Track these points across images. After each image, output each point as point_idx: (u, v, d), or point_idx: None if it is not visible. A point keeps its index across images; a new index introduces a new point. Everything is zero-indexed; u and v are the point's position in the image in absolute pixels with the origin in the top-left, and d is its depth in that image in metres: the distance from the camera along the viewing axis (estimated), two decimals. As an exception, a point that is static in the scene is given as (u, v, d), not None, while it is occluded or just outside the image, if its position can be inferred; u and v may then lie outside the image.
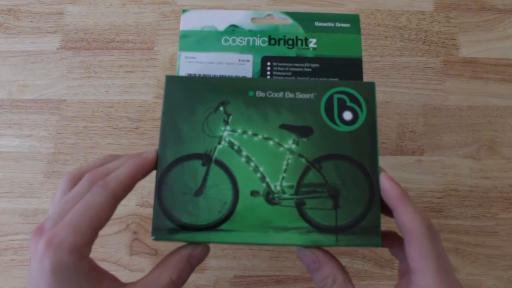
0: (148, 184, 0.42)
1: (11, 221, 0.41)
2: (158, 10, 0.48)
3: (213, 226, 0.24)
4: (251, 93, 0.26)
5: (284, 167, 0.25)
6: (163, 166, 0.25)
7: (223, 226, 0.24)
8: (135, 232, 0.41)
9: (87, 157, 0.43)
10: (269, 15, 0.31)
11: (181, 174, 0.25)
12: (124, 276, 0.39)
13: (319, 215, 0.25)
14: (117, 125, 0.44)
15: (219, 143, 0.25)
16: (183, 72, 0.29)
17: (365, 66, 0.46)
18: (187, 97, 0.26)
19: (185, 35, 0.30)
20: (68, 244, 0.21)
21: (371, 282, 0.39)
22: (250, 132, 0.25)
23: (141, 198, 0.42)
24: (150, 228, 0.41)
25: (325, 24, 0.30)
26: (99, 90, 0.45)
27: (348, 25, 0.30)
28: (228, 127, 0.25)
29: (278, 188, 0.25)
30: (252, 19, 0.30)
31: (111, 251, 0.40)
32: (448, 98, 0.45)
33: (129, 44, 0.47)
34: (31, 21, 0.48)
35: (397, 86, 0.45)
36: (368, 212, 0.25)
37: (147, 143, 0.43)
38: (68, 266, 0.21)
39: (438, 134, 0.44)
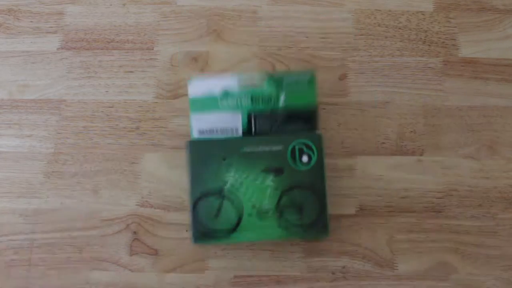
0: (148, 184, 0.42)
1: (11, 221, 0.41)
2: (158, 10, 0.48)
3: (227, 233, 0.37)
4: (242, 150, 0.38)
5: (267, 195, 0.37)
6: (194, 199, 0.37)
7: (233, 234, 0.37)
8: (135, 232, 0.41)
9: (87, 157, 0.43)
10: (254, 78, 0.41)
11: (205, 204, 0.37)
12: (124, 276, 0.39)
13: (292, 221, 0.37)
14: (117, 125, 0.44)
15: (226, 184, 0.37)
16: (195, 128, 0.40)
17: (365, 66, 0.46)
18: (203, 154, 0.38)
19: (193, 102, 0.40)
20: None
21: (371, 282, 0.39)
22: (244, 176, 0.37)
23: (141, 198, 0.42)
24: (150, 228, 0.41)
25: (289, 81, 0.40)
26: (99, 90, 0.45)
27: (306, 80, 0.40)
28: (230, 173, 0.37)
29: (265, 208, 0.37)
30: (239, 83, 0.40)
31: (111, 251, 0.40)
32: (448, 98, 0.45)
33: (129, 44, 0.47)
34: (31, 21, 0.48)
35: (397, 86, 0.45)
36: (320, 217, 0.37)
37: (147, 143, 0.43)
38: None
39: (438, 134, 0.44)
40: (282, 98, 0.40)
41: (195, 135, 0.40)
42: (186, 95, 0.45)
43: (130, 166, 0.43)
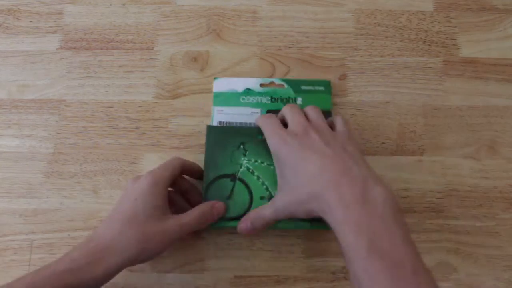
0: (148, 184, 0.42)
1: (11, 221, 0.41)
2: (158, 10, 0.48)
3: (239, 217, 0.37)
4: (259, 137, 0.39)
5: None
6: (207, 182, 0.38)
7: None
8: (135, 232, 0.41)
9: (87, 157, 0.43)
10: (271, 82, 0.44)
11: (218, 186, 0.38)
12: (124, 276, 0.39)
13: None
14: (117, 125, 0.44)
15: (241, 167, 0.39)
16: (216, 119, 0.43)
17: (365, 66, 0.46)
18: (220, 139, 0.39)
19: (217, 95, 0.44)
20: (160, 174, 0.34)
21: (371, 282, 0.39)
22: (259, 161, 0.39)
23: (141, 198, 0.41)
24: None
25: (307, 88, 0.44)
26: (99, 90, 0.45)
27: (322, 88, 0.44)
28: (246, 158, 0.39)
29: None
30: (261, 84, 0.44)
31: (111, 251, 0.40)
32: (448, 98, 0.45)
33: (129, 44, 0.47)
34: (31, 21, 0.48)
35: (397, 86, 0.45)
36: None
37: (147, 143, 0.43)
38: (159, 184, 0.34)
39: (438, 134, 0.44)
40: (299, 100, 0.43)
41: (215, 125, 0.43)
42: (186, 95, 0.45)
43: (130, 166, 0.43)
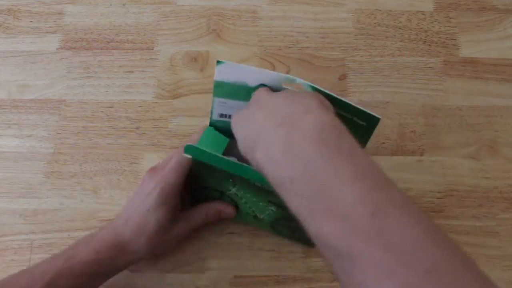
0: (148, 184, 0.42)
1: (11, 221, 0.41)
2: (158, 10, 0.48)
3: None
4: (251, 181, 0.32)
5: (267, 213, 0.36)
6: (193, 188, 0.38)
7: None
8: (135, 232, 0.41)
9: (87, 157, 0.43)
10: (297, 84, 0.31)
11: (204, 192, 0.38)
12: (123, 276, 0.39)
13: (284, 232, 0.39)
14: (117, 125, 0.44)
15: (229, 191, 0.36)
16: (216, 112, 0.36)
17: (365, 66, 0.46)
18: (207, 171, 0.34)
19: (219, 85, 0.33)
20: (172, 184, 0.34)
21: (371, 282, 0.39)
22: (248, 195, 0.35)
23: (141, 198, 0.41)
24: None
25: (343, 113, 0.30)
26: (99, 90, 0.45)
27: (364, 123, 0.30)
28: (235, 188, 0.35)
29: (261, 217, 0.37)
30: (283, 84, 0.32)
31: (111, 251, 0.40)
32: (448, 98, 0.45)
33: (129, 44, 0.47)
34: (31, 21, 0.48)
35: (397, 86, 0.45)
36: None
37: (147, 143, 0.43)
38: (171, 199, 0.34)
39: (439, 134, 0.44)
40: None
41: (215, 117, 0.36)
42: (186, 95, 0.45)
43: (130, 166, 0.42)
